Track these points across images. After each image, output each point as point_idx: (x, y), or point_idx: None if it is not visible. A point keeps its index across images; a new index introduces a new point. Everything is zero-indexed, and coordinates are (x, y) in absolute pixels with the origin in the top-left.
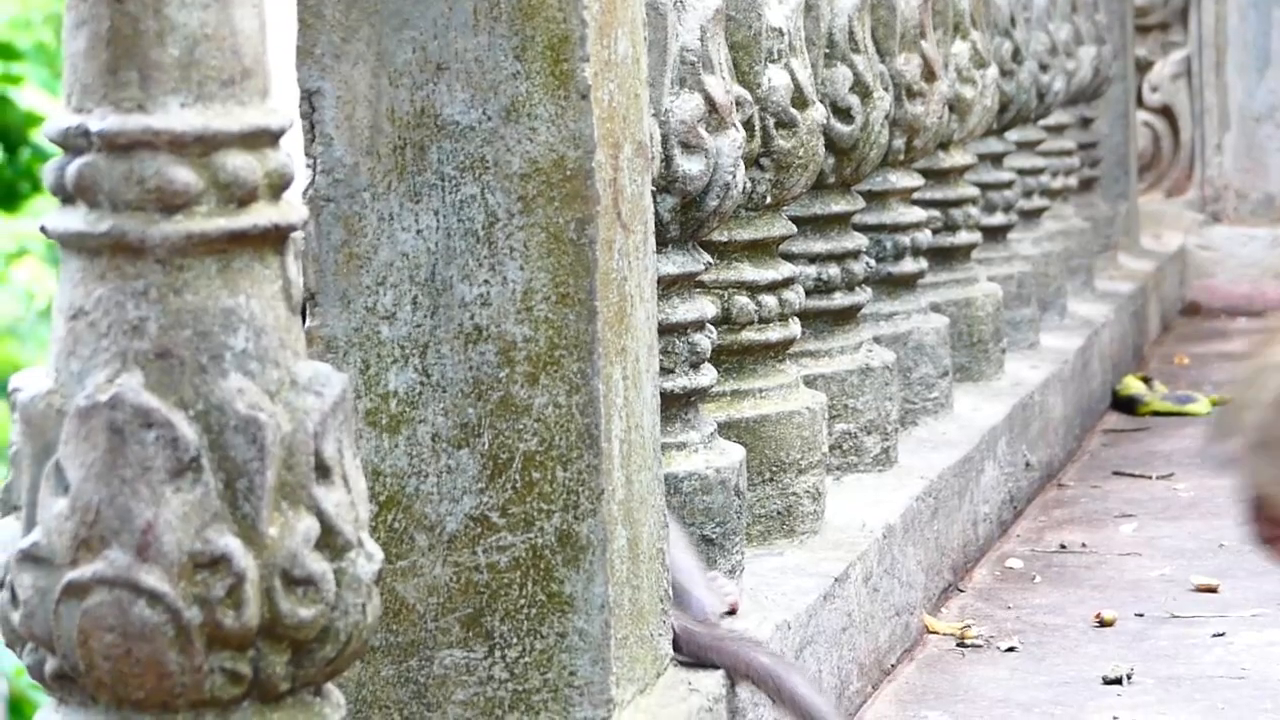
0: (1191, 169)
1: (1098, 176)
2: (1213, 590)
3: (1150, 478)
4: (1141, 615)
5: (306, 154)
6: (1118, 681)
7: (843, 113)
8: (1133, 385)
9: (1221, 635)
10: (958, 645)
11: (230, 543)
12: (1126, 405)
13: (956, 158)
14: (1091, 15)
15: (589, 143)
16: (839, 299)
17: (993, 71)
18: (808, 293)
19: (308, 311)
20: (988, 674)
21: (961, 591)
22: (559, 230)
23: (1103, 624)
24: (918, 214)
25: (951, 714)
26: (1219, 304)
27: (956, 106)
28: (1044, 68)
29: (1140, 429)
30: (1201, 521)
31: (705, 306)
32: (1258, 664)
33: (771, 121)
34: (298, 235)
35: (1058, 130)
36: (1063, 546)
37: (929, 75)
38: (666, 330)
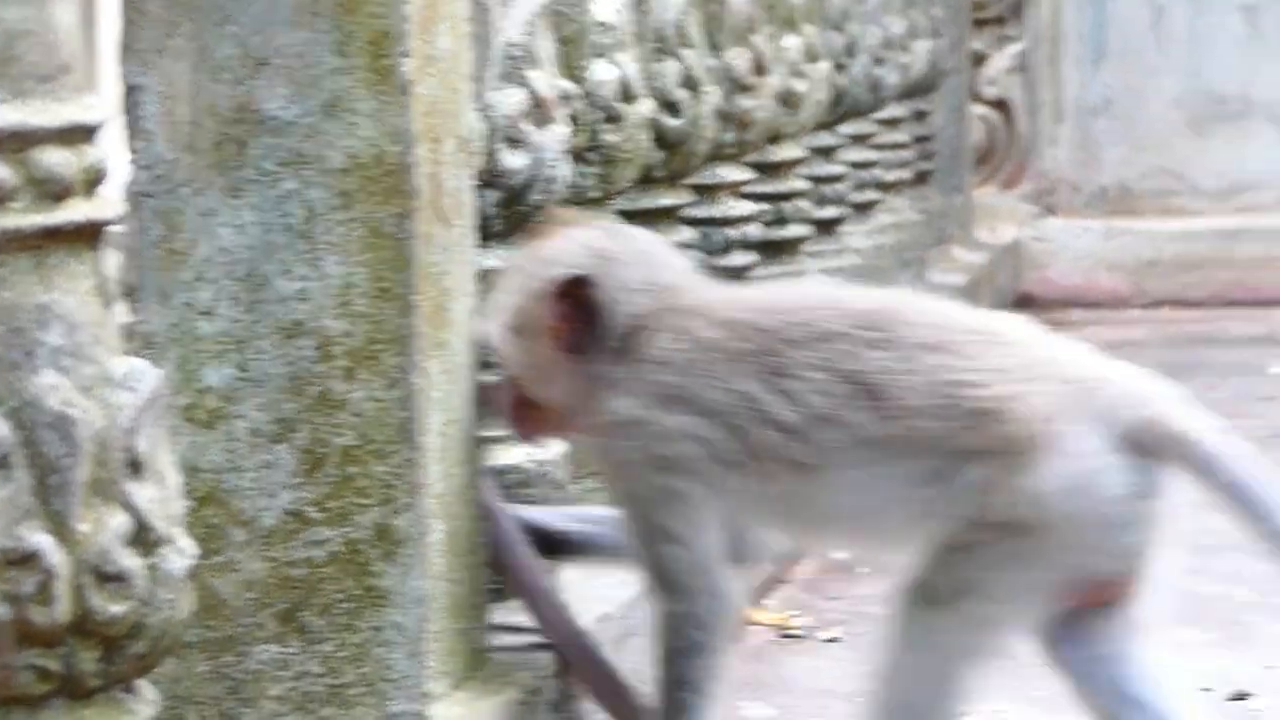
0: (1026, 162)
1: (932, 170)
2: None
3: None
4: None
5: (129, 149)
6: None
7: (671, 107)
8: None
9: None
10: (781, 636)
11: (41, 539)
12: None
13: (788, 151)
14: (927, 9)
15: (409, 138)
16: None
17: (825, 66)
18: None
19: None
20: (810, 664)
21: (786, 583)
22: (378, 225)
23: None
24: (747, 208)
25: (773, 705)
26: (1053, 296)
27: (788, 100)
28: (878, 61)
29: None
30: None
31: None
32: None
33: (598, 116)
34: (115, 230)
35: (892, 124)
36: None
37: (759, 69)
38: None
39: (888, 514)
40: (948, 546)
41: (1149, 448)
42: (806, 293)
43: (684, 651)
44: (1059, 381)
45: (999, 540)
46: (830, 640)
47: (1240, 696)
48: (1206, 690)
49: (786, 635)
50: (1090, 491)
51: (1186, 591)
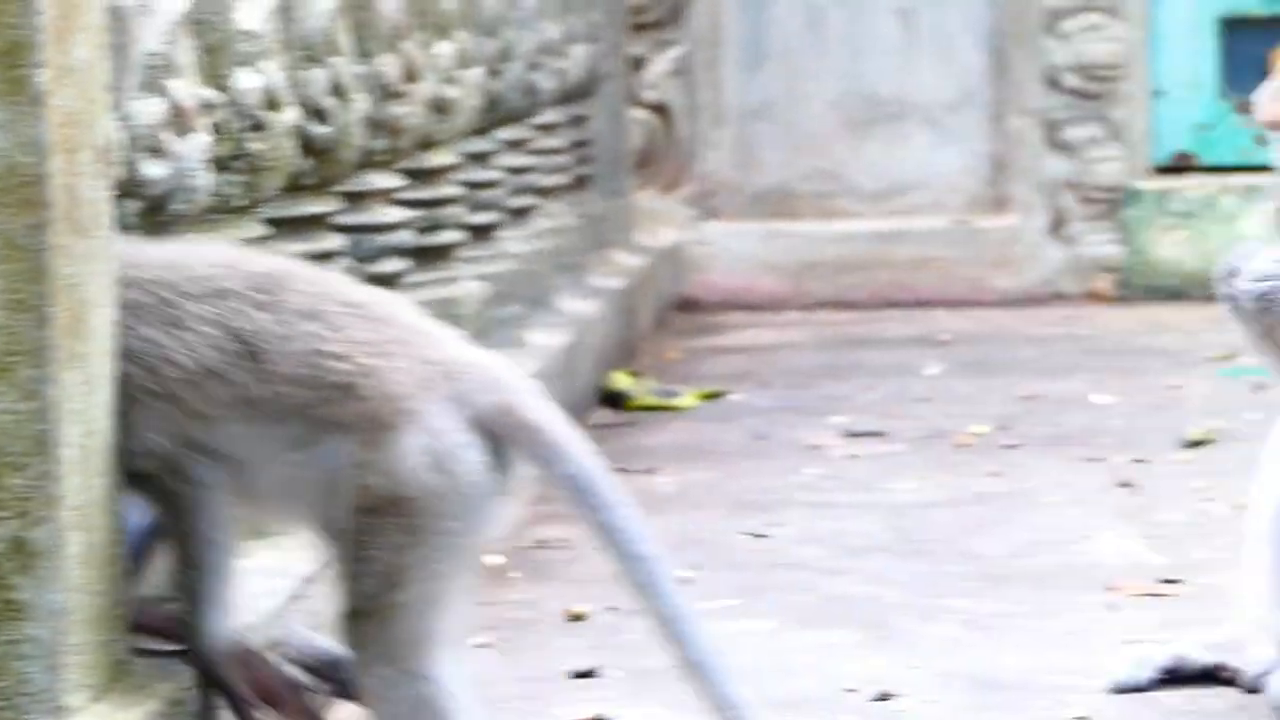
0: (686, 165)
1: (591, 174)
2: (686, 582)
3: (633, 471)
4: (615, 609)
5: None
6: (588, 675)
7: (319, 114)
8: (621, 381)
9: None
10: None
11: None
12: (615, 400)
13: (441, 158)
14: (585, 14)
15: (44, 149)
16: None
17: (478, 71)
18: None
19: None
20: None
21: None
22: (12, 236)
23: (575, 618)
24: (399, 214)
25: None
26: (714, 299)
27: (441, 107)
28: (533, 67)
29: (627, 424)
30: (679, 515)
31: None
32: (727, 654)
33: (244, 124)
34: None
35: (549, 129)
36: (542, 542)
37: (411, 76)
38: None
39: (274, 479)
40: (343, 552)
41: (500, 432)
42: (209, 251)
43: None
44: (421, 361)
45: (381, 522)
46: (480, 646)
47: (884, 697)
48: (851, 691)
49: None
50: (447, 468)
51: (835, 593)
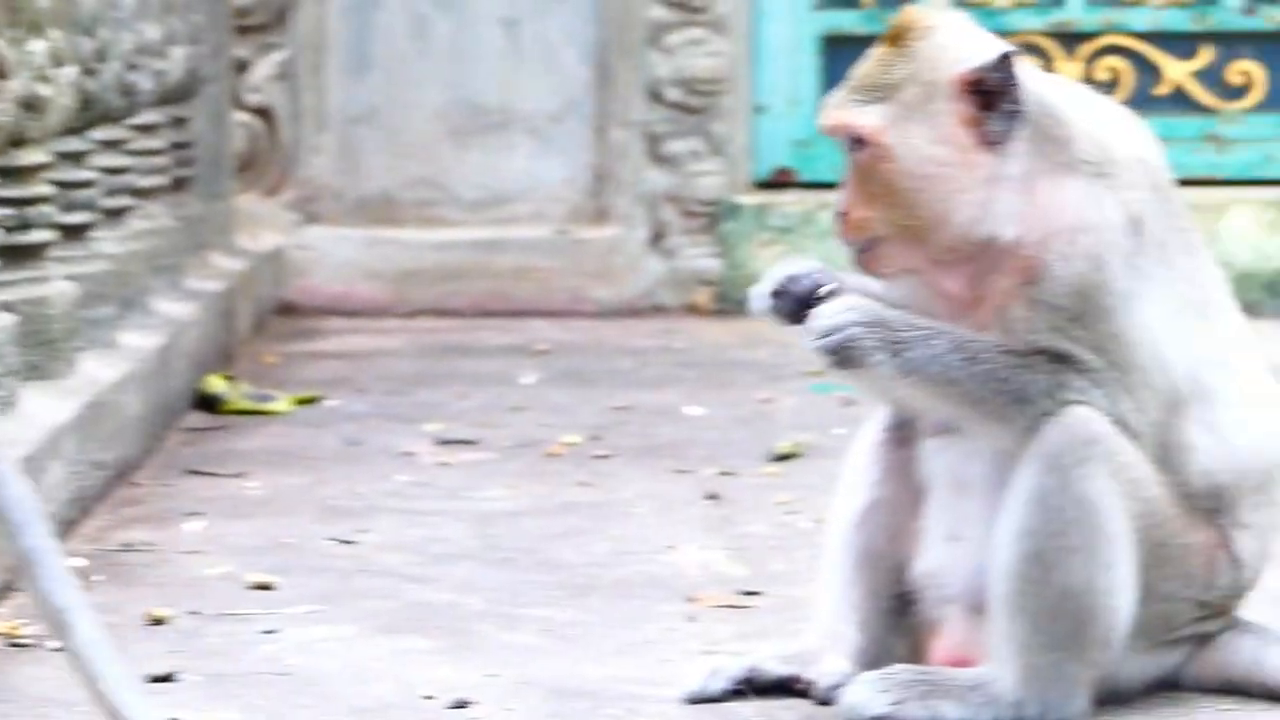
0: (289, 170)
1: (192, 176)
2: (269, 588)
3: (223, 476)
4: (196, 613)
5: None
6: (166, 679)
7: None
8: (216, 384)
9: (272, 632)
10: (9, 645)
11: None
12: (209, 404)
13: (33, 156)
14: (186, 15)
15: None
16: None
17: (72, 70)
18: None
19: None
20: (34, 673)
21: (17, 591)
22: None
23: (155, 622)
24: None
25: None
26: (315, 304)
27: (32, 105)
28: (132, 67)
29: (220, 427)
30: (268, 520)
31: None
32: (304, 660)
33: None
34: None
35: (149, 129)
36: (127, 545)
37: (0, 73)
38: None
39: None
40: None
41: None
42: None
43: None
44: None
45: None
46: (58, 649)
47: (460, 704)
48: (428, 698)
49: (14, 644)
50: None
51: (418, 600)
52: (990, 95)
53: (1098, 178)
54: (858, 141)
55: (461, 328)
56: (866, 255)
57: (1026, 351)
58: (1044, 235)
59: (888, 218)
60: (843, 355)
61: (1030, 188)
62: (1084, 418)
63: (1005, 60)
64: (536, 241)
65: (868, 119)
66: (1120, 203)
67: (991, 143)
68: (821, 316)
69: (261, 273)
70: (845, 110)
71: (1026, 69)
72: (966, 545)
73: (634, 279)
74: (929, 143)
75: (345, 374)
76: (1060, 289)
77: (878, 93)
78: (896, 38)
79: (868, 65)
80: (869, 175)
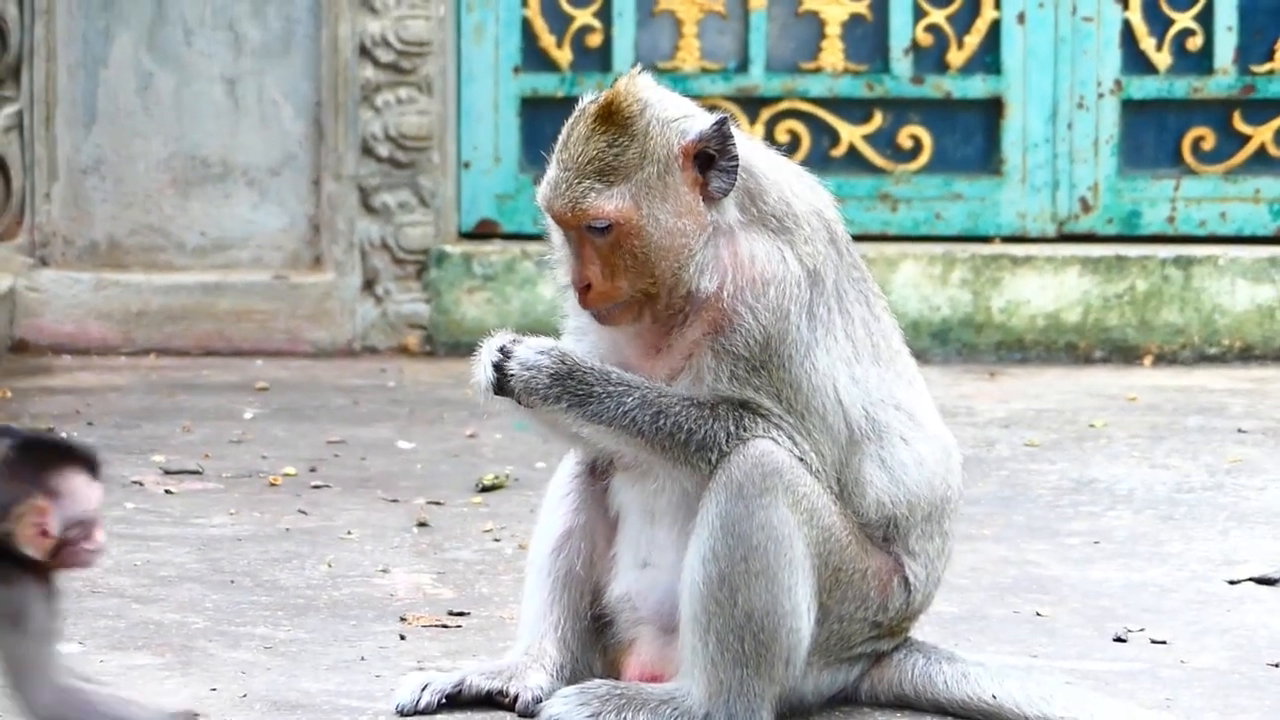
0: (23, 215)
1: None
2: None
3: None
4: None
5: None
6: None
7: None
8: None
9: None
10: None
11: None
12: None
13: None
14: None
15: None
16: None
17: None
18: None
19: None
20: None
21: None
22: None
23: None
24: None
25: None
26: (46, 342)
27: None
28: None
29: None
30: None
31: None
32: None
33: None
34: None
35: None
36: None
37: None
38: None
39: None
40: None
41: None
42: None
43: None
44: None
45: None
46: None
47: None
48: None
49: None
50: None
51: (145, 619)
52: (710, 158)
53: (781, 233)
54: (603, 226)
55: (186, 366)
56: (602, 316)
57: (711, 401)
58: (735, 288)
59: (632, 286)
60: (525, 390)
61: (731, 241)
62: (766, 450)
63: (722, 125)
64: (256, 286)
65: (614, 204)
66: (800, 256)
67: (712, 199)
68: (517, 354)
69: None
70: (587, 199)
71: (735, 130)
72: (657, 571)
73: (348, 322)
74: (672, 215)
75: (76, 408)
76: (745, 339)
77: (613, 176)
78: (610, 115)
79: (588, 146)
80: (613, 251)
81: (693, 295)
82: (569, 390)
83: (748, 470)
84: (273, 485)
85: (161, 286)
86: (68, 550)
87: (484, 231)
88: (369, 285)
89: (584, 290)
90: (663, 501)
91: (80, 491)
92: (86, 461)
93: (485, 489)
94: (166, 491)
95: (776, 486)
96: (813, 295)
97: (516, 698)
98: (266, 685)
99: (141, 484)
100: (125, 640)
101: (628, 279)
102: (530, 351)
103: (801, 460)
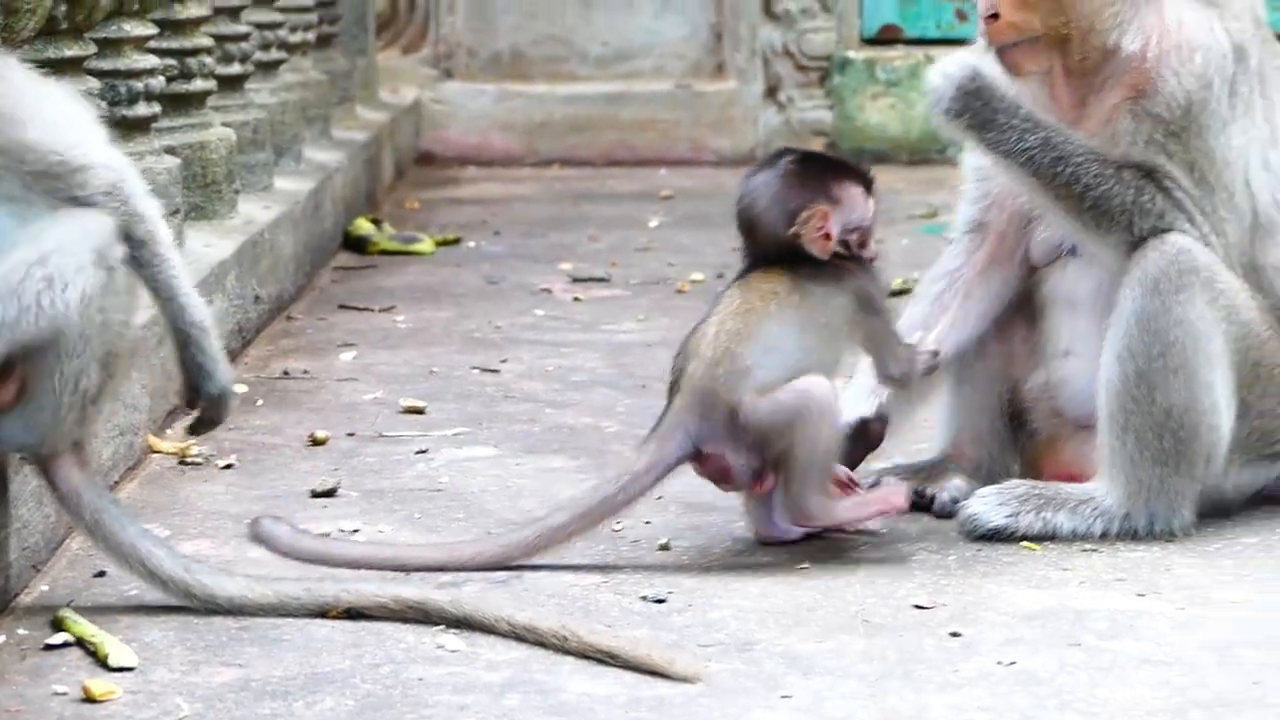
0: (426, 27)
1: (337, 33)
2: (420, 412)
3: (373, 310)
4: (353, 435)
5: None
6: (326, 494)
7: None
8: (364, 226)
9: (424, 452)
10: (180, 463)
11: None
12: (357, 245)
13: (193, 9)
14: None
15: None
16: None
17: None
18: None
19: None
20: (205, 489)
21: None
22: None
23: (315, 443)
24: (151, 61)
25: (168, 526)
26: (451, 154)
27: None
28: None
29: (369, 266)
30: (416, 350)
31: None
32: (455, 478)
33: None
34: None
35: None
36: (286, 373)
37: None
38: None
39: None
40: None
41: None
42: None
43: None
44: None
45: None
46: (226, 467)
47: None
48: None
49: (185, 463)
50: None
51: (558, 424)
52: None
53: (1210, 5)
54: None
55: (590, 175)
56: (1007, 55)
57: (1119, 163)
58: (1161, 50)
59: (1041, 21)
60: (934, 100)
61: (1158, 4)
62: (1183, 246)
63: None
64: (659, 95)
65: None
66: (1228, 30)
67: None
68: (932, 74)
69: (402, 124)
70: None
71: None
72: (1079, 360)
73: (751, 130)
74: None
75: (482, 218)
76: (1167, 101)
77: None
78: None
79: None
80: None
81: (1112, 55)
82: (971, 109)
83: (1164, 266)
84: (680, 292)
85: (564, 97)
86: (844, 253)
87: (887, 37)
88: (771, 92)
89: (991, 19)
90: (1084, 288)
91: (857, 200)
92: (861, 176)
93: (894, 294)
94: (575, 299)
95: (1194, 283)
96: (1236, 71)
97: (934, 498)
98: (682, 486)
99: (550, 291)
100: (539, 444)
101: (1040, 13)
102: (950, 62)
103: (1204, 242)
